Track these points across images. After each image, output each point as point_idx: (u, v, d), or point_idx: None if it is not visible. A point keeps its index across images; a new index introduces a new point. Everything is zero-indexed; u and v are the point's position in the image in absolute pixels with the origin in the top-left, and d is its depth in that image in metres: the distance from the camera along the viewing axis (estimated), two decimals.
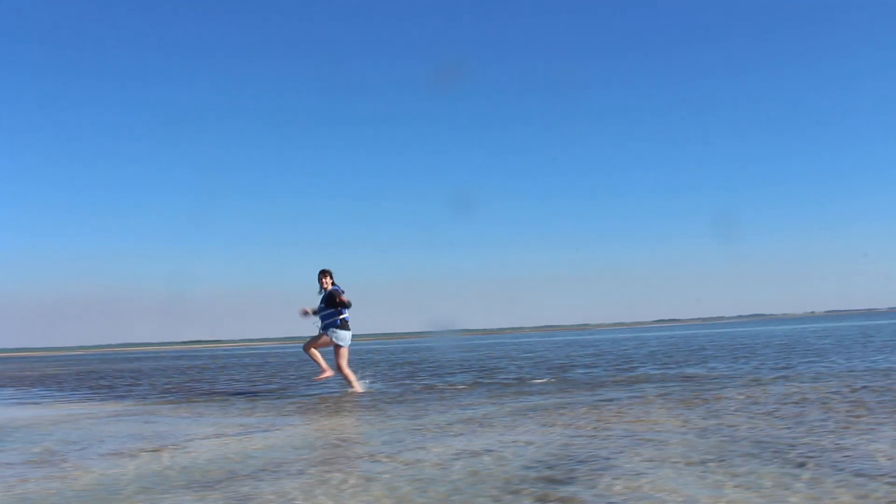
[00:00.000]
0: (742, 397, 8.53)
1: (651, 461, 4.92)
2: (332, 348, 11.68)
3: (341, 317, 11.51)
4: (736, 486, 4.14)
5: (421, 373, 16.27)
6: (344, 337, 11.50)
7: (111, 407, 10.89)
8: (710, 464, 4.76)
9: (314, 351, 11.76)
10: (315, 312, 11.66)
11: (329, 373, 11.76)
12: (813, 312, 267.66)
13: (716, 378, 11.38)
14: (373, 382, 13.20)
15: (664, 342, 30.93)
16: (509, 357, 23.10)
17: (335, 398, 10.78)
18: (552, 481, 4.44)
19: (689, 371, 13.21)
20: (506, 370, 16.00)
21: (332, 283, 11.65)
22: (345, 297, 11.44)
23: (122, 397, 12.93)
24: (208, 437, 6.93)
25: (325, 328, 11.54)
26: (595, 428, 6.60)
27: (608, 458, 5.07)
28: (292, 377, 17.05)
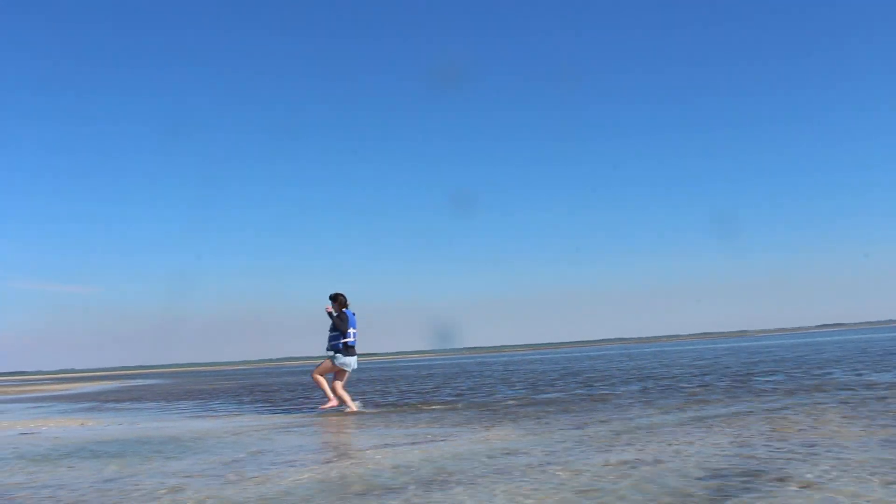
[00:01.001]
0: None
1: (831, 472, 4.67)
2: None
3: (344, 340, 11.63)
4: None
5: (585, 383, 16.11)
6: (347, 362, 11.68)
7: (283, 419, 11.32)
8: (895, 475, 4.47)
9: (321, 379, 11.94)
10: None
11: (333, 402, 11.86)
12: None
13: None
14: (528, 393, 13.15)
15: (842, 347, 29.32)
16: (676, 365, 22.51)
17: (499, 408, 10.81)
18: (727, 491, 4.29)
19: (874, 377, 12.46)
20: (676, 378, 15.61)
21: (342, 308, 11.76)
22: (337, 321, 11.61)
23: (293, 409, 13.42)
24: (376, 447, 7.08)
25: (330, 349, 11.70)
26: (771, 436, 6.33)
27: (785, 468, 4.85)
28: (463, 387, 17.26)
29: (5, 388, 45.81)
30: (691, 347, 55.03)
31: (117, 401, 21.64)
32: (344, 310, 11.74)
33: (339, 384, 11.86)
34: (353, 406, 11.94)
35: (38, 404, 22.05)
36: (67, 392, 33.02)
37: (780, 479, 4.51)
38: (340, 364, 11.67)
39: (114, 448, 8.01)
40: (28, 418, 14.65)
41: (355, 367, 11.84)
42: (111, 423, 12.43)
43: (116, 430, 10.58)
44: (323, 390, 11.97)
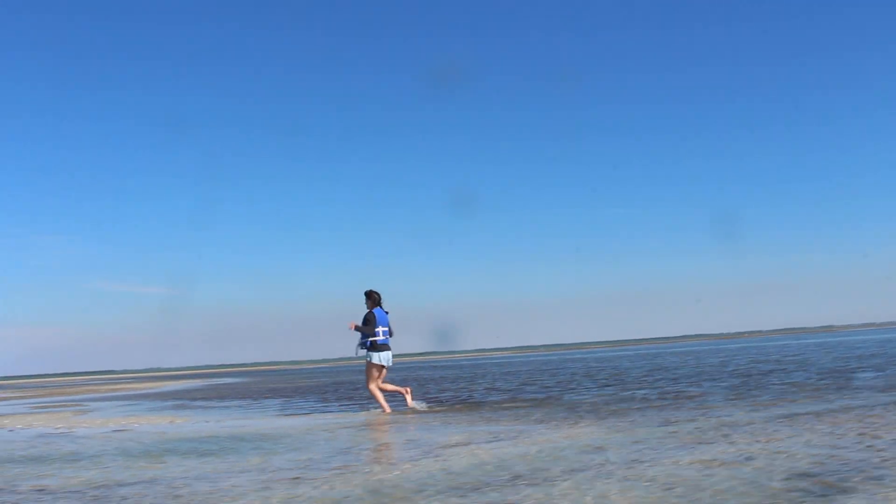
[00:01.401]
0: None
1: None
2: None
3: (372, 339, 11.72)
4: None
5: (673, 379, 15.91)
6: (378, 357, 11.71)
7: (368, 416, 11.48)
8: None
9: (378, 392, 11.94)
10: (358, 329, 11.89)
11: (388, 410, 11.81)
12: None
13: None
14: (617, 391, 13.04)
15: None
16: (764, 361, 22.04)
17: (586, 404, 10.76)
18: (820, 491, 4.20)
19: None
20: (764, 374, 15.32)
21: (373, 306, 11.90)
22: (365, 323, 11.75)
23: (378, 407, 13.55)
24: (459, 444, 7.14)
25: (362, 346, 11.83)
26: (864, 434, 6.17)
27: (880, 468, 4.73)
28: (549, 384, 17.22)
29: (96, 387, 47.43)
30: (778, 343, 53.71)
31: (204, 398, 22.20)
32: (375, 308, 11.94)
33: (371, 384, 12.01)
34: (412, 403, 12.11)
35: (128, 402, 22.78)
36: (155, 390, 33.98)
37: (875, 479, 4.41)
38: (373, 360, 11.77)
39: (212, 445, 8.25)
40: (120, 415, 15.16)
41: (390, 363, 11.92)
42: (200, 420, 12.77)
43: (207, 427, 10.87)
44: (380, 404, 11.97)
